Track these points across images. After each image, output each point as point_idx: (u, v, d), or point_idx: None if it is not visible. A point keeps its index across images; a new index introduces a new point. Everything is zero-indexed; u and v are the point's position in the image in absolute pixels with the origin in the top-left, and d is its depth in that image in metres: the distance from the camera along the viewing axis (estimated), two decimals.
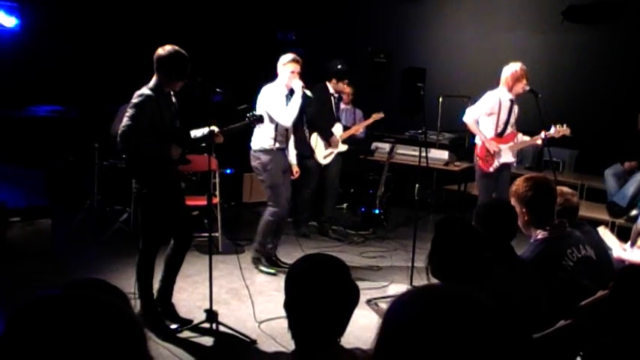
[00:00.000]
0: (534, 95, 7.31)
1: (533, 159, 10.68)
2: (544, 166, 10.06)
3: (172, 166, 5.63)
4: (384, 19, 12.93)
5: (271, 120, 7.09)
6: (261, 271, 7.39)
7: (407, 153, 10.23)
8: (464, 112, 7.92)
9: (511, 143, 7.69)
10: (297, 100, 7.10)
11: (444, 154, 10.27)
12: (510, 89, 7.53)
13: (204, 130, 5.76)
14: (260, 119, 6.28)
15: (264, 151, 7.19)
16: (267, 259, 7.52)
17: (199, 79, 5.58)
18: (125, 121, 5.27)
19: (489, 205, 4.06)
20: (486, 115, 7.69)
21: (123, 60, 11.03)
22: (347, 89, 10.41)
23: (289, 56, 7.19)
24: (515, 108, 7.71)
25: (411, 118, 11.41)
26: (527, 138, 7.79)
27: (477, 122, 7.80)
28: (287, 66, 7.13)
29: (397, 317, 1.49)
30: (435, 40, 12.48)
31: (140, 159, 5.45)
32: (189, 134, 5.75)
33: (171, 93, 5.61)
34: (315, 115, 8.56)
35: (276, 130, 7.15)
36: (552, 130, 7.46)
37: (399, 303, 1.51)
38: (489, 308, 1.42)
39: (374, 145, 10.81)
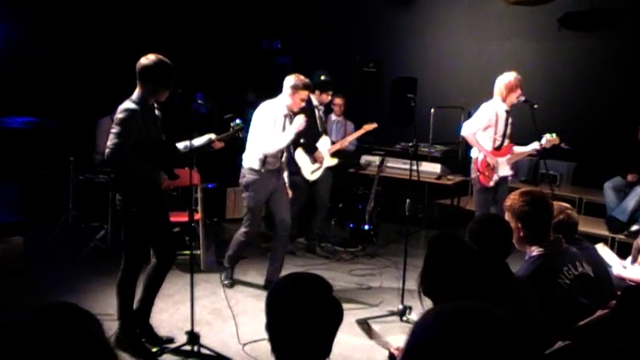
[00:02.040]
0: (530, 106, 7.34)
1: (529, 172, 10.72)
2: (540, 180, 10.10)
3: (160, 182, 5.63)
4: (374, 27, 12.97)
5: None
6: (222, 283, 7.47)
7: (397, 166, 10.24)
8: (460, 127, 7.95)
9: (508, 156, 7.71)
10: (289, 135, 7.05)
11: (436, 168, 10.30)
12: (504, 100, 7.56)
13: (204, 139, 5.82)
14: (243, 128, 6.29)
15: (251, 170, 7.16)
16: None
17: (180, 90, 5.58)
18: (112, 139, 5.25)
19: (483, 220, 4.06)
20: (483, 128, 7.70)
21: (101, 70, 11.04)
22: (337, 101, 10.44)
23: (304, 82, 7.09)
24: (510, 119, 7.74)
25: (401, 130, 11.46)
26: (523, 149, 7.81)
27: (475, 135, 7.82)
28: (298, 93, 7.05)
29: (421, 341, 1.49)
30: (426, 48, 12.52)
31: (129, 175, 5.44)
32: (177, 148, 5.75)
33: (155, 105, 5.61)
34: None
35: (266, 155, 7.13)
36: (543, 140, 7.49)
37: (422, 325, 1.53)
38: (515, 327, 1.44)
39: (363, 158, 10.82)
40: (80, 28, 11.54)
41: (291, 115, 7.18)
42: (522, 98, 7.46)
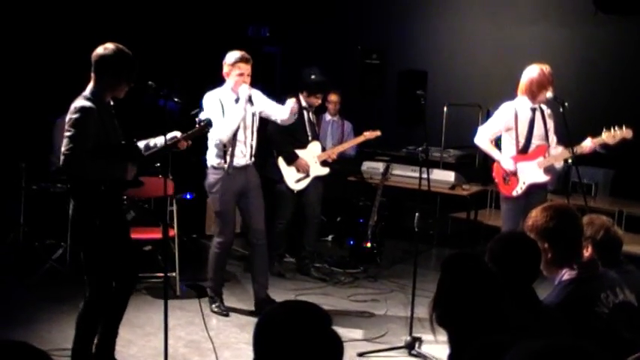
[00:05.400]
0: (560, 104, 7.32)
1: (559, 181, 10.69)
2: (572, 190, 10.06)
3: (123, 190, 5.62)
4: (377, 12, 12.95)
5: None
6: (213, 311, 7.49)
7: (405, 174, 10.24)
8: (475, 132, 7.95)
9: (540, 159, 7.64)
10: (237, 111, 7.23)
11: (449, 176, 10.29)
12: (533, 97, 7.54)
13: (166, 137, 5.77)
14: (209, 123, 6.34)
15: (212, 168, 7.38)
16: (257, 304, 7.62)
17: (152, 84, 5.58)
18: (66, 143, 5.24)
19: (506, 239, 4.04)
20: (505, 130, 7.70)
21: (60, 58, 10.97)
22: (332, 97, 10.42)
23: (236, 54, 7.29)
24: (547, 116, 7.69)
25: (409, 132, 11.44)
26: (564, 150, 7.68)
27: (494, 141, 7.81)
28: (234, 67, 7.25)
29: None
30: (438, 36, 12.52)
31: (89, 184, 5.42)
32: (140, 151, 5.73)
33: (111, 103, 5.60)
34: (276, 133, 8.56)
35: (225, 146, 7.28)
36: (603, 135, 7.41)
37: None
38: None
39: (365, 164, 10.80)
40: (32, 11, 11.50)
41: (238, 100, 7.32)
42: (550, 94, 7.44)
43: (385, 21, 12.85)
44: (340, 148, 9.39)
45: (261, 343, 2.45)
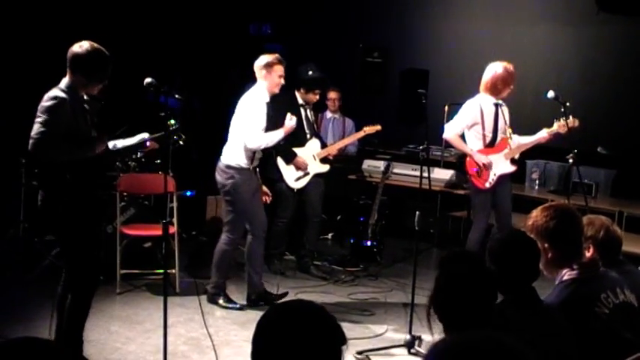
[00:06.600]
0: (561, 104, 7.35)
1: (560, 181, 10.69)
2: (573, 190, 10.05)
3: (93, 178, 5.63)
4: (379, 10, 12.94)
5: None
6: (222, 306, 7.56)
7: (405, 173, 10.25)
8: (443, 129, 8.14)
9: (506, 150, 8.03)
10: (277, 135, 7.52)
11: (450, 175, 10.29)
12: (497, 93, 7.88)
13: (135, 139, 5.85)
14: (176, 131, 6.35)
15: (239, 169, 7.38)
16: (258, 296, 7.67)
17: (153, 81, 5.59)
18: (37, 128, 5.28)
19: (505, 238, 4.04)
20: (467, 127, 8.02)
21: (60, 54, 10.94)
22: (332, 95, 10.42)
23: (272, 56, 7.43)
24: (505, 111, 8.07)
25: (410, 131, 11.44)
26: (527, 139, 8.14)
27: (462, 136, 8.14)
28: (273, 69, 7.37)
29: None
30: (440, 35, 12.51)
31: (56, 170, 5.45)
32: (107, 146, 5.80)
33: (85, 97, 5.63)
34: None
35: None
36: (555, 125, 7.77)
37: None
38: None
39: (365, 163, 10.80)
40: (39, 7, 11.48)
41: (269, 103, 7.48)
42: (552, 94, 7.49)
43: (387, 19, 12.85)
44: (340, 144, 9.39)
45: (258, 344, 2.41)
